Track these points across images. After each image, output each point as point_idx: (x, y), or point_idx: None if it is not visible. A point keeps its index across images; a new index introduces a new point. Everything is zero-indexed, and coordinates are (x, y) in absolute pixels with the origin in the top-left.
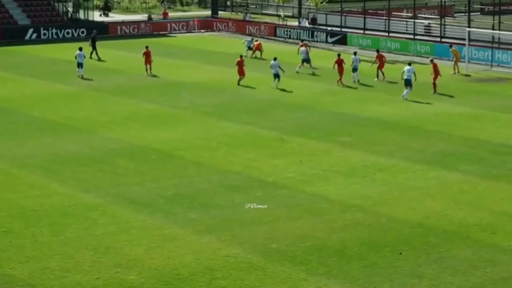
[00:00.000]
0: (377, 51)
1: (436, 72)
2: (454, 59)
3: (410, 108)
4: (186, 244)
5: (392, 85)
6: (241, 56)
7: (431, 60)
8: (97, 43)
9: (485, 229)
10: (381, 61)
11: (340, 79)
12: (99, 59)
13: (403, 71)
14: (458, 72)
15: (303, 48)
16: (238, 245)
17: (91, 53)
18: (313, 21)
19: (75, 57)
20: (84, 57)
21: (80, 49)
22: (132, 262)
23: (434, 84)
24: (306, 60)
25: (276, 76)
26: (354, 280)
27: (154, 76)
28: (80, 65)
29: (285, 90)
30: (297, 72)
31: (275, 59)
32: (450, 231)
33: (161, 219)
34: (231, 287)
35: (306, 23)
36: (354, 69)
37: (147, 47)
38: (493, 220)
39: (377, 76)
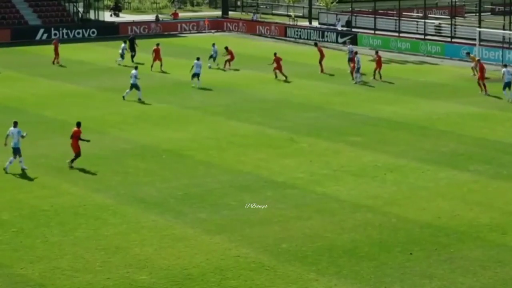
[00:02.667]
0: (376, 52)
1: (481, 72)
2: (474, 64)
3: (420, 108)
4: (196, 244)
5: (401, 86)
6: (275, 54)
7: (478, 60)
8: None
9: (496, 230)
10: (377, 62)
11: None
12: (132, 61)
13: (503, 74)
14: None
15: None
16: (248, 245)
17: (132, 56)
18: (348, 23)
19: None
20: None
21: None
22: (142, 262)
23: (483, 83)
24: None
25: (196, 75)
26: (364, 280)
27: (164, 72)
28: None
29: (295, 90)
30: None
31: (198, 59)
32: (460, 231)
33: (171, 219)
34: (241, 287)
35: (339, 26)
36: (358, 70)
37: (157, 44)
38: (503, 220)
39: (374, 76)
